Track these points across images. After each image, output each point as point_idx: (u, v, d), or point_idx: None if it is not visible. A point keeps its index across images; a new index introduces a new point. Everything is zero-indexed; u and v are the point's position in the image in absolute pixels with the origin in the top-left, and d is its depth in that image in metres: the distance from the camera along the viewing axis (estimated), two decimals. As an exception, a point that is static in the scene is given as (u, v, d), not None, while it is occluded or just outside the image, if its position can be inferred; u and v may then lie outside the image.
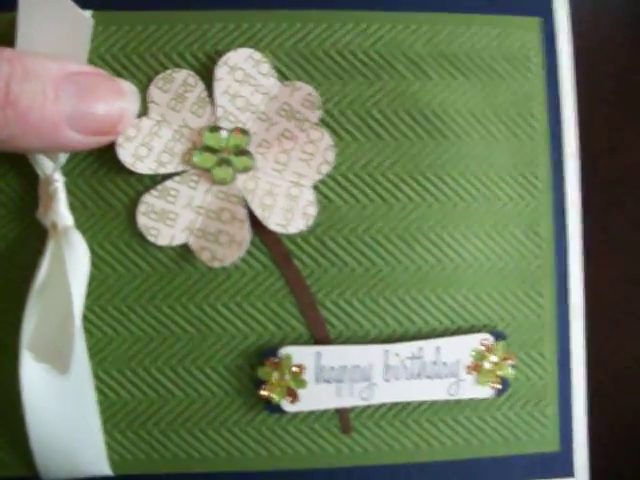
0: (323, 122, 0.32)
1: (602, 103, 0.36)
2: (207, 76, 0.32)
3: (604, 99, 0.36)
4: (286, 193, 0.31)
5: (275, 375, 0.31)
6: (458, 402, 0.33)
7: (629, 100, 0.37)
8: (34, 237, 0.31)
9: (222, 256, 0.31)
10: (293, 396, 0.31)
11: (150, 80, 0.32)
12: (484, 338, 0.32)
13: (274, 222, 0.31)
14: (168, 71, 0.32)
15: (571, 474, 0.33)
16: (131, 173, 0.31)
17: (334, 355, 0.32)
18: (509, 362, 0.32)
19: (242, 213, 0.31)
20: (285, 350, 0.31)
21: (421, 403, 0.33)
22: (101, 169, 0.32)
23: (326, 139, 0.32)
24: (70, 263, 0.30)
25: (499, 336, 0.32)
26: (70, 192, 0.31)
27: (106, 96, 0.29)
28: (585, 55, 0.35)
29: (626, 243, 0.37)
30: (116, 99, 0.29)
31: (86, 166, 0.32)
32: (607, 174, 0.37)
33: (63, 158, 0.31)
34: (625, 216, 0.36)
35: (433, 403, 0.33)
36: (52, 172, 0.31)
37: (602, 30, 0.38)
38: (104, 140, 0.30)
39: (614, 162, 0.37)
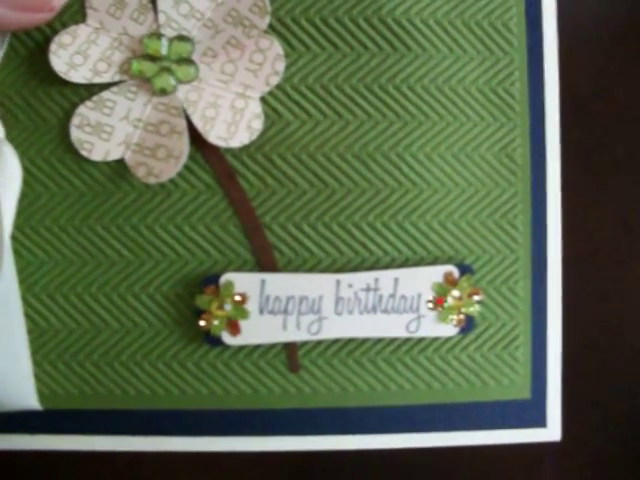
0: (274, 30, 0.29)
1: (587, 44, 0.33)
2: (150, -20, 0.29)
3: (589, 40, 0.33)
4: (230, 105, 0.29)
5: (215, 304, 0.29)
6: (419, 341, 0.30)
7: (614, 41, 0.33)
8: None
9: (158, 172, 0.29)
10: (234, 328, 0.29)
11: (89, -16, 0.29)
12: (448, 271, 0.29)
13: (215, 135, 0.28)
14: (108, -26, 0.29)
15: (542, 424, 0.30)
16: (66, 84, 0.29)
17: (280, 284, 0.29)
18: (475, 298, 0.29)
19: (181, 125, 0.29)
20: (226, 277, 0.29)
21: (377, 341, 0.30)
22: (33, 79, 0.29)
23: (275, 48, 0.29)
24: (1, 178, 0.28)
25: (465, 269, 0.29)
26: (1, 103, 0.29)
27: None
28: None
29: (613, 186, 0.33)
30: None
31: (18, 75, 0.29)
32: (594, 118, 0.33)
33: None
34: (612, 158, 0.33)
35: (391, 341, 0.30)
36: (-20, 79, 0.29)
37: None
38: (38, 18, 0.27)
39: (601, 106, 0.33)
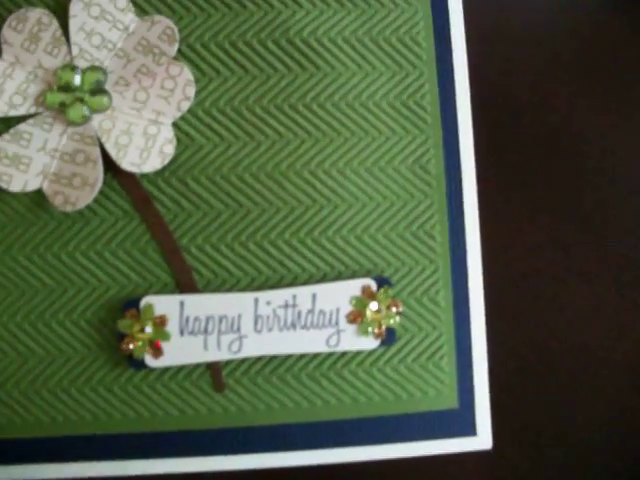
0: (184, 56, 0.30)
1: (495, 55, 0.33)
2: (62, 14, 0.30)
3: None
4: (143, 132, 0.29)
5: (136, 327, 0.29)
6: (342, 355, 0.30)
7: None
8: None
9: (75, 199, 0.29)
10: (156, 350, 0.29)
11: (4, 20, 0.30)
12: (365, 284, 0.30)
13: (128, 161, 0.29)
14: (22, 10, 0.30)
15: (472, 433, 0.30)
16: (-17, 118, 0.30)
17: (199, 304, 0.29)
18: (394, 310, 0.30)
19: (95, 153, 0.29)
20: (146, 300, 0.29)
21: (300, 357, 0.30)
22: (-48, 115, 0.30)
23: (185, 74, 0.29)
24: None
25: (383, 282, 0.30)
26: None
27: None
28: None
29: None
30: None
31: (-63, 112, 0.30)
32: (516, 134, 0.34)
33: None
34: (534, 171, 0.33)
35: (314, 357, 0.30)
36: None
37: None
38: None
39: (534, 119, 0.34)
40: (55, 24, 0.30)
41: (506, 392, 0.31)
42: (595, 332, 0.33)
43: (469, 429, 0.30)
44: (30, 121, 0.30)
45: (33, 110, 0.30)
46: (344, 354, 0.30)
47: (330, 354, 0.30)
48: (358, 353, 0.30)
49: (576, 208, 0.33)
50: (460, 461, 0.31)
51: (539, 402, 0.32)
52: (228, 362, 0.30)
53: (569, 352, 0.33)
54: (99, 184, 0.29)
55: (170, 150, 0.29)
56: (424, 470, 0.32)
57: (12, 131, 0.30)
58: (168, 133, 0.29)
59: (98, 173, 0.29)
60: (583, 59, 0.34)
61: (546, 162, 0.33)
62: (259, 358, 0.30)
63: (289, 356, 0.30)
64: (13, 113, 0.29)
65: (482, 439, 0.30)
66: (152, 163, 0.29)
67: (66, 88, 0.29)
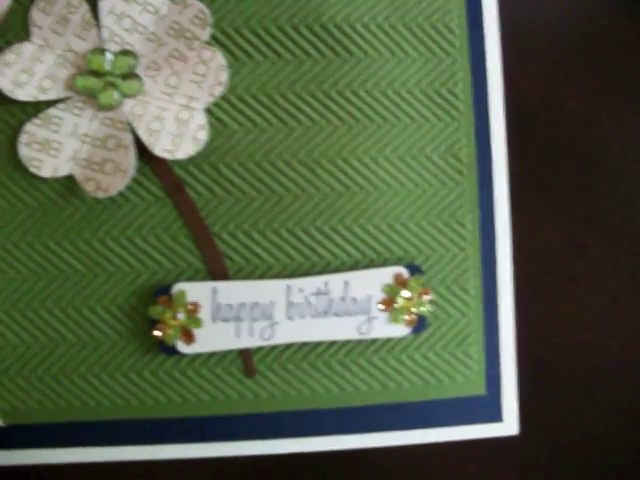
0: (217, 41, 0.30)
1: (539, 56, 0.33)
2: (92, -4, 0.30)
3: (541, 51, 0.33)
4: (175, 117, 0.29)
5: (168, 314, 0.29)
6: (372, 342, 0.30)
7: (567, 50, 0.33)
8: None
9: (107, 186, 0.29)
10: (188, 336, 0.29)
11: (32, 2, 0.30)
12: (397, 272, 0.30)
13: (161, 148, 0.29)
14: (50, -8, 0.30)
15: (499, 419, 0.31)
16: (12, 101, 0.29)
17: (232, 291, 0.29)
18: (426, 297, 0.30)
19: (128, 139, 0.29)
20: (178, 287, 0.29)
21: (331, 344, 0.30)
22: (-19, 98, 0.30)
23: (218, 58, 0.29)
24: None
25: (415, 270, 0.30)
26: (-51, 124, 0.30)
27: None
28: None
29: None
30: None
31: (-35, 95, 0.30)
32: (542, 130, 0.34)
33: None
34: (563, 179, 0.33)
35: (344, 344, 0.30)
36: None
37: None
38: None
39: (551, 121, 0.34)
40: (84, 6, 0.29)
41: (534, 377, 0.32)
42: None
43: (496, 415, 0.31)
44: (60, 105, 0.29)
45: (63, 94, 0.29)
46: (374, 341, 0.30)
47: (360, 341, 0.30)
48: (388, 340, 0.30)
49: (592, 208, 0.33)
50: (486, 447, 0.31)
51: (562, 394, 0.32)
52: (259, 348, 0.30)
53: (586, 349, 0.33)
54: (132, 170, 0.29)
55: (203, 136, 0.29)
56: (450, 455, 0.32)
57: (42, 115, 0.29)
58: (201, 119, 0.29)
59: (131, 159, 0.29)
60: (601, 58, 0.34)
61: (563, 162, 0.33)
62: (290, 344, 0.30)
63: (319, 342, 0.30)
64: (43, 97, 0.29)
65: (508, 425, 0.31)
66: (185, 149, 0.29)
67: (97, 72, 0.29)
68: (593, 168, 0.33)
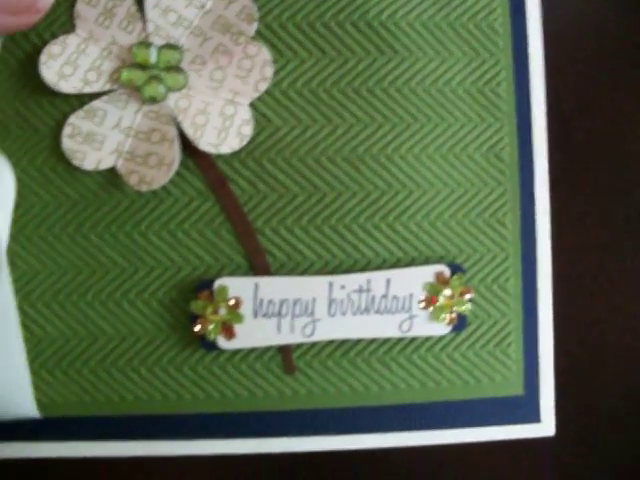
0: (262, 37, 0.30)
1: (573, 61, 0.33)
2: (137, -11, 0.30)
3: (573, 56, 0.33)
4: (220, 112, 0.29)
5: (209, 309, 0.29)
6: (412, 341, 0.30)
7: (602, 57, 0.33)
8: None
9: (150, 179, 0.29)
10: (229, 332, 0.29)
11: (77, -6, 0.30)
12: (439, 270, 0.30)
13: (205, 142, 0.29)
14: (96, -16, 0.29)
15: (537, 419, 0.31)
16: (57, 94, 0.29)
17: (274, 287, 0.29)
18: (467, 297, 0.30)
19: (172, 133, 0.29)
20: (220, 282, 0.29)
21: (371, 341, 0.30)
22: (24, 90, 0.30)
23: (264, 54, 0.29)
24: (-6, 190, 0.28)
25: (456, 269, 0.30)
26: (-8, 115, 0.30)
27: None
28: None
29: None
30: None
31: (9, 87, 0.30)
32: (577, 136, 0.34)
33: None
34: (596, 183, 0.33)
35: (385, 342, 0.30)
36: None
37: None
38: (24, 21, 0.27)
39: (584, 124, 0.34)
40: (130, 0, 0.29)
41: (572, 378, 0.32)
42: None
43: (534, 415, 0.31)
44: (104, 98, 0.29)
45: (107, 87, 0.29)
46: (414, 339, 0.30)
47: (400, 339, 0.30)
48: (428, 338, 0.30)
49: (624, 209, 0.33)
50: (519, 448, 0.31)
51: (599, 396, 0.32)
52: (299, 345, 0.30)
53: (623, 351, 0.33)
54: (176, 164, 0.29)
55: (248, 131, 0.29)
56: (487, 453, 0.32)
57: (86, 108, 0.29)
58: (246, 114, 0.29)
59: (175, 153, 0.29)
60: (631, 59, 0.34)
61: (596, 164, 0.33)
62: (330, 341, 0.30)
63: (359, 340, 0.30)
64: (87, 90, 0.29)
65: (545, 426, 0.31)
66: (230, 144, 0.29)
67: (141, 65, 0.29)
68: (627, 171, 0.33)
